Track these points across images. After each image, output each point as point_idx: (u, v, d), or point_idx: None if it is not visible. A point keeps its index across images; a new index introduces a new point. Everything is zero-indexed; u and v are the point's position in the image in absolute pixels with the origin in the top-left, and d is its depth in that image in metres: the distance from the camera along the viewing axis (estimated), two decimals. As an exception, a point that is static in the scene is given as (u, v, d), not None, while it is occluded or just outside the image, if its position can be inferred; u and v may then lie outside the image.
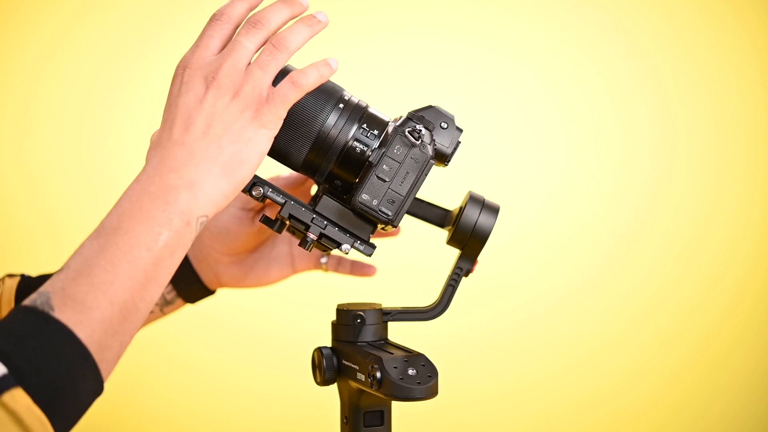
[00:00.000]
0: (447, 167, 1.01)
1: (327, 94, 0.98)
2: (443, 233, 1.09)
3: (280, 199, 0.99)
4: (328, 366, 1.04)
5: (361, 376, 1.00)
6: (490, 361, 1.96)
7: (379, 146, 0.98)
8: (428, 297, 1.08)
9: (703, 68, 1.96)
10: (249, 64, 0.92)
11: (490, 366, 1.96)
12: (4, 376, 0.75)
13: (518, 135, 1.96)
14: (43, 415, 0.76)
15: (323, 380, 1.05)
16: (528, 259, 1.95)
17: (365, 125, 0.99)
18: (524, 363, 1.96)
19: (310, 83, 0.94)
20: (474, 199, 1.04)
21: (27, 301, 0.81)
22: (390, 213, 0.97)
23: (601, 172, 1.96)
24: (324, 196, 1.00)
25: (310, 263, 1.23)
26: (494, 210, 1.04)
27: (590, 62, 1.95)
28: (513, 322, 1.95)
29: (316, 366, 1.06)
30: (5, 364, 0.76)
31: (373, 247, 1.00)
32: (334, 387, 1.06)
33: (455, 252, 1.06)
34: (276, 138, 0.94)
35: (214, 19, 0.94)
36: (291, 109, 0.95)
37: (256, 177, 0.98)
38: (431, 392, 0.97)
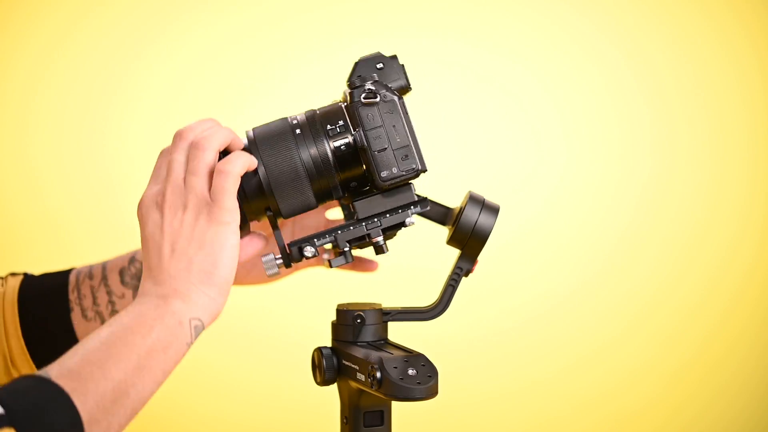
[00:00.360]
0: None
1: (280, 137, 0.98)
2: (443, 234, 1.09)
3: (328, 239, 1.00)
4: (328, 366, 1.04)
5: (361, 376, 1.00)
6: (490, 361, 1.96)
7: (354, 130, 0.98)
8: (428, 297, 1.08)
9: (703, 68, 1.96)
10: None
11: (490, 366, 1.96)
12: (1, 416, 0.80)
13: (518, 135, 1.96)
14: None
15: (323, 380, 1.05)
16: (528, 259, 1.95)
17: (328, 126, 0.98)
18: (524, 363, 1.96)
19: (239, 167, 0.95)
20: (474, 199, 1.04)
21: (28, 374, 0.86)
22: (413, 165, 0.97)
23: (601, 172, 1.96)
24: (354, 202, 1.00)
25: (312, 259, 1.23)
26: (494, 210, 1.04)
27: (590, 62, 1.95)
28: (513, 322, 1.95)
29: (316, 366, 1.06)
30: (3, 407, 0.80)
31: (425, 199, 1.00)
32: (334, 387, 1.06)
33: (455, 252, 1.06)
34: (283, 203, 0.97)
35: (160, 156, 0.98)
36: (271, 173, 0.96)
37: (295, 243, 0.99)
38: (431, 392, 0.97)
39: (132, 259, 1.19)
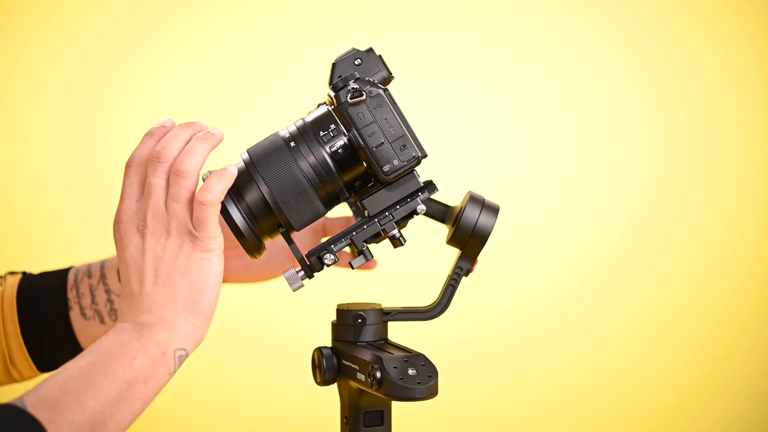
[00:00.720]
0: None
1: (276, 153, 0.98)
2: (442, 234, 1.09)
3: (345, 243, 1.00)
4: (328, 366, 1.04)
5: (361, 376, 1.00)
6: (490, 361, 1.96)
7: (347, 131, 0.98)
8: (428, 297, 1.08)
9: (703, 68, 1.96)
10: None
11: (490, 366, 1.96)
12: None
13: (518, 135, 1.96)
14: None
15: (323, 380, 1.05)
16: (528, 259, 1.95)
17: (321, 132, 0.98)
18: (524, 363, 1.96)
19: (218, 194, 0.93)
20: (474, 199, 1.04)
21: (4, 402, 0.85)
22: (413, 153, 0.97)
23: (601, 172, 1.96)
24: (362, 201, 1.00)
25: None
26: (494, 210, 1.04)
27: (590, 62, 1.95)
28: (513, 322, 1.95)
29: (316, 366, 1.06)
30: None
31: (432, 184, 1.00)
32: (334, 387, 1.06)
33: (455, 252, 1.06)
34: (294, 218, 0.97)
35: (127, 166, 0.96)
36: (275, 191, 0.96)
37: (313, 253, 0.99)
38: (431, 392, 0.97)
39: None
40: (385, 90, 0.98)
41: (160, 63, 1.89)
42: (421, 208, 1.00)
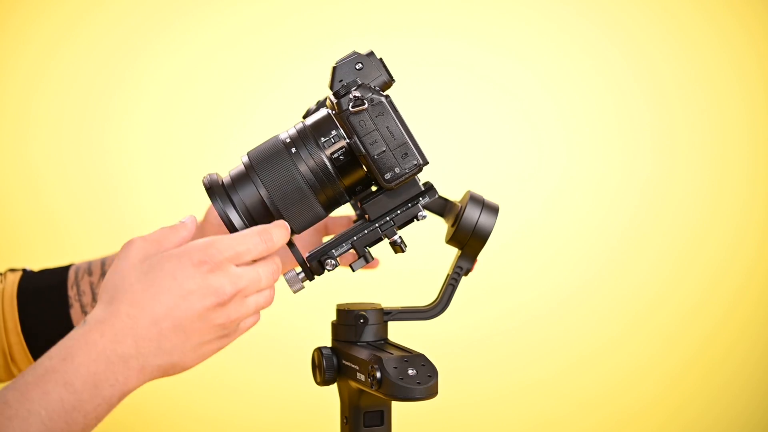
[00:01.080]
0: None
1: (276, 157, 0.97)
2: (442, 233, 1.09)
3: (346, 248, 1.00)
4: (328, 366, 1.04)
5: (361, 376, 1.00)
6: (490, 361, 1.96)
7: (347, 137, 0.98)
8: (428, 297, 1.08)
9: (703, 68, 1.96)
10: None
11: (490, 366, 1.96)
12: None
13: (518, 135, 1.96)
14: None
15: (323, 380, 1.05)
16: (528, 259, 1.95)
17: (322, 137, 0.98)
18: (524, 363, 1.96)
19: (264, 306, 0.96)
20: (474, 199, 1.04)
21: None
22: (415, 161, 0.97)
23: (601, 172, 1.96)
24: (363, 205, 1.00)
25: None
26: (494, 210, 1.04)
27: (590, 62, 1.95)
28: (513, 322, 1.95)
29: (316, 366, 1.06)
30: None
31: (432, 188, 1.00)
32: (334, 387, 1.06)
33: (454, 251, 1.06)
34: (294, 221, 0.97)
35: (262, 242, 0.95)
36: (275, 196, 0.96)
37: (314, 256, 0.99)
38: (431, 392, 0.97)
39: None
40: (387, 97, 0.97)
41: (160, 63, 1.89)
42: (422, 215, 1.00)
